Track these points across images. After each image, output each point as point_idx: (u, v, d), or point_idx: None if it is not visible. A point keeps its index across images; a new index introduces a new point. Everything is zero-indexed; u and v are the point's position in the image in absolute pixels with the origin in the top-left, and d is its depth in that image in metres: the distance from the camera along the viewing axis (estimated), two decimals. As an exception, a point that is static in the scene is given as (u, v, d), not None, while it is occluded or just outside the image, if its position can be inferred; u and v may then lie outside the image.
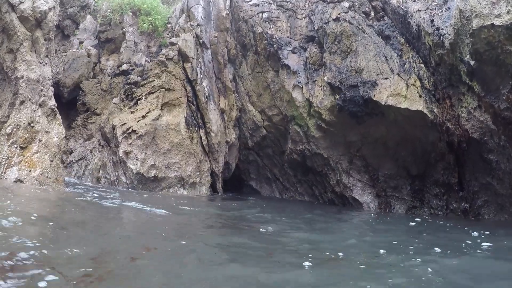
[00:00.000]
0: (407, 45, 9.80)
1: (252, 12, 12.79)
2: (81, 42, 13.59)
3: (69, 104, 12.18)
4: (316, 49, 11.55)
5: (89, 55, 12.83)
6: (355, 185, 11.44)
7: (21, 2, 8.19)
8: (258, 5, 12.84)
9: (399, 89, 9.36)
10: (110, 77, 12.31)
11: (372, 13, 10.74)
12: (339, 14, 10.84)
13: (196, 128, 11.96)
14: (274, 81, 12.39)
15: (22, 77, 7.90)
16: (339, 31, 10.67)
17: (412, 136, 9.88)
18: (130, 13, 12.94)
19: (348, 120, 10.52)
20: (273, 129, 13.02)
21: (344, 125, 10.81)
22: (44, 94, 8.10)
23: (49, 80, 8.32)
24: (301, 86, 11.43)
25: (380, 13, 10.65)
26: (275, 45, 12.02)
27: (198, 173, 11.65)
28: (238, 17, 13.33)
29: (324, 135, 11.41)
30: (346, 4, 10.87)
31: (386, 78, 9.67)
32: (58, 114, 8.43)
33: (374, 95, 9.56)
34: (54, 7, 8.81)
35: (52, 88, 8.46)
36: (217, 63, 13.39)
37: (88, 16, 14.03)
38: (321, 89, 10.97)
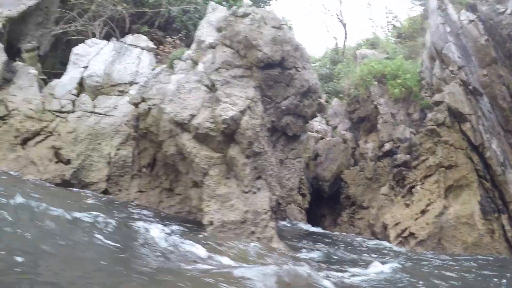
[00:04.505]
0: None
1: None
2: (334, 128, 12.84)
3: (332, 198, 11.22)
4: None
5: (345, 141, 11.76)
6: None
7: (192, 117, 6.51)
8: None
9: None
10: (373, 162, 10.64)
11: None
12: None
13: (496, 215, 8.39)
14: None
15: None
16: None
17: None
18: (376, 83, 11.16)
19: None
20: None
21: None
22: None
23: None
24: None
25: None
26: None
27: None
28: (500, 37, 9.09)
29: None
30: None
31: None
32: None
33: None
34: (249, 106, 6.54)
35: None
36: (499, 111, 9.33)
37: (335, 99, 13.29)
38: None
